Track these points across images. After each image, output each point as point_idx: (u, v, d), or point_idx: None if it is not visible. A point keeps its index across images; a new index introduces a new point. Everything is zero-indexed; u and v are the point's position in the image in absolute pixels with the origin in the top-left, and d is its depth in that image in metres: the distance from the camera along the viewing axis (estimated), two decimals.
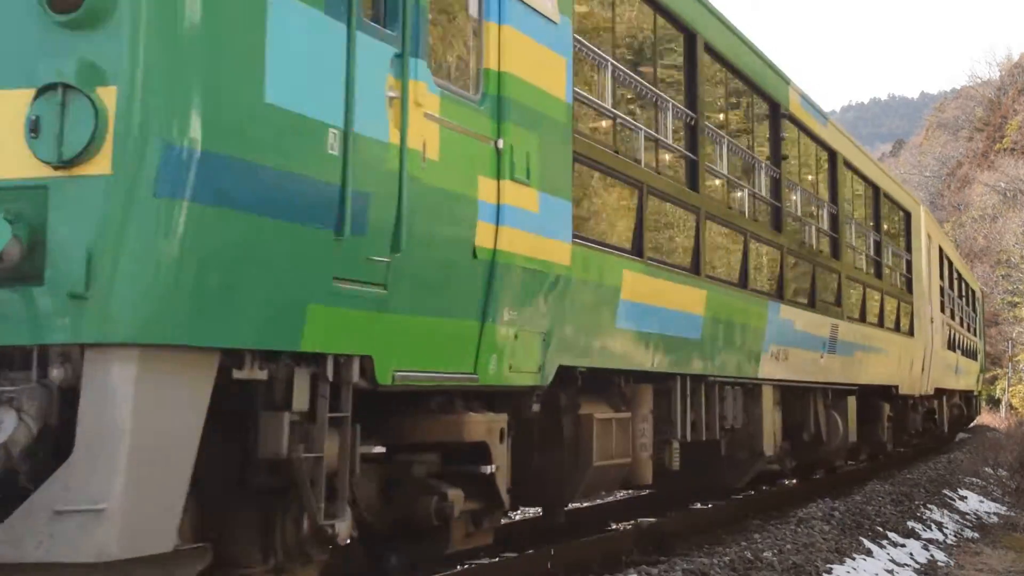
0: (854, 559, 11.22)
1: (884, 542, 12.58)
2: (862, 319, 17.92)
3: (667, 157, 11.20)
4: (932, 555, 12.80)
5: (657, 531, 12.55)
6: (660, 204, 10.91)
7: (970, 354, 35.06)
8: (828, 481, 19.22)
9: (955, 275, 31.70)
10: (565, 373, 9.36)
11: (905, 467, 23.31)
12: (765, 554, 10.43)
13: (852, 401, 17.54)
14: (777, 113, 14.20)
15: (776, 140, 14.13)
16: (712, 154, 12.17)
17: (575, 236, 9.01)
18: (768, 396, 13.84)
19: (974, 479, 22.71)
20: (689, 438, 11.67)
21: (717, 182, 12.37)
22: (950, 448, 32.96)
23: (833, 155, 16.75)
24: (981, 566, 12.39)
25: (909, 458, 25.79)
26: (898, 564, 11.75)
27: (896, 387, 20.33)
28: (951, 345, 28.94)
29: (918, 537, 13.64)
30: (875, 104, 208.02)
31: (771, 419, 13.92)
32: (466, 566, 9.71)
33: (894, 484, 18.26)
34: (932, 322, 24.08)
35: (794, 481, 19.06)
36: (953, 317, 29.93)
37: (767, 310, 13.42)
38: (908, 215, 21.99)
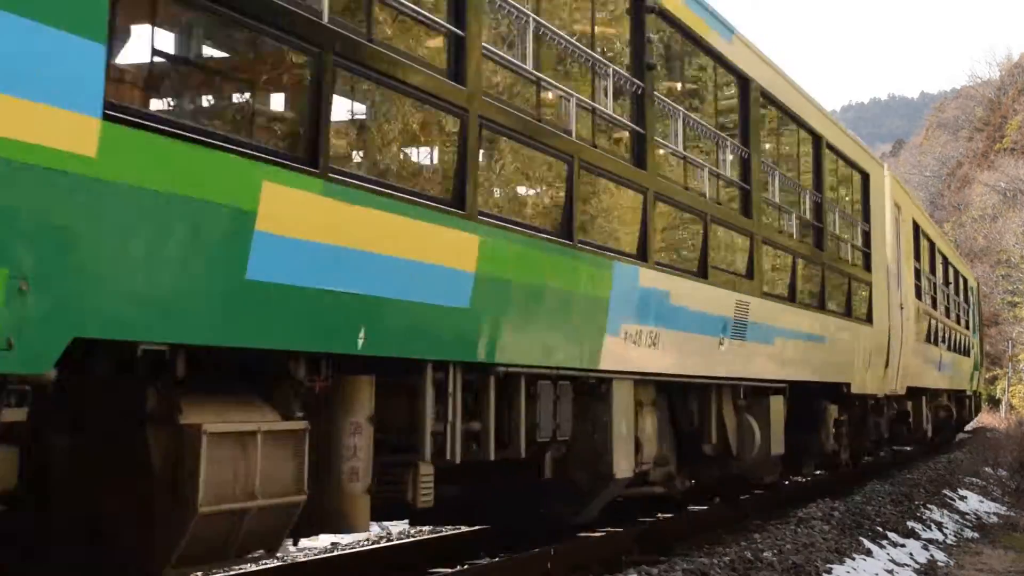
0: (854, 559, 10.86)
1: (884, 542, 12.19)
2: (791, 298, 13.57)
3: (402, 23, 6.95)
4: (932, 555, 12.39)
5: (657, 531, 11.94)
6: (370, 88, 6.68)
7: (961, 350, 30.41)
8: (828, 481, 18.04)
9: (939, 259, 27.05)
10: (159, 357, 5.20)
11: (905, 467, 22.19)
12: (765, 554, 10.09)
13: (777, 402, 13.23)
14: (640, 5, 9.86)
15: (639, 42, 9.80)
16: (500, 35, 7.89)
17: (118, 108, 4.79)
18: (623, 395, 9.56)
19: (974, 479, 21.71)
20: (459, 458, 7.43)
21: (511, 79, 8.09)
22: (950, 448, 30.95)
23: (745, 82, 12.37)
24: (981, 566, 12.00)
25: (885, 465, 22.96)
26: (898, 564, 11.36)
27: (847, 385, 15.97)
28: (932, 338, 24.40)
29: (918, 537, 13.20)
30: (875, 104, 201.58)
31: (628, 427, 9.64)
32: (466, 566, 9.03)
33: (894, 484, 17.60)
34: (902, 309, 19.65)
35: (714, 506, 14.82)
36: (935, 306, 25.35)
37: (612, 274, 9.14)
38: (866, 177, 17.56)
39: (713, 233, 11.24)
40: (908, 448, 25.94)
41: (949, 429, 31.06)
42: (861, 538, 11.92)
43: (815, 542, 11.05)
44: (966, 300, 33.22)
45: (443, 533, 11.69)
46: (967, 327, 32.71)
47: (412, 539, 11.35)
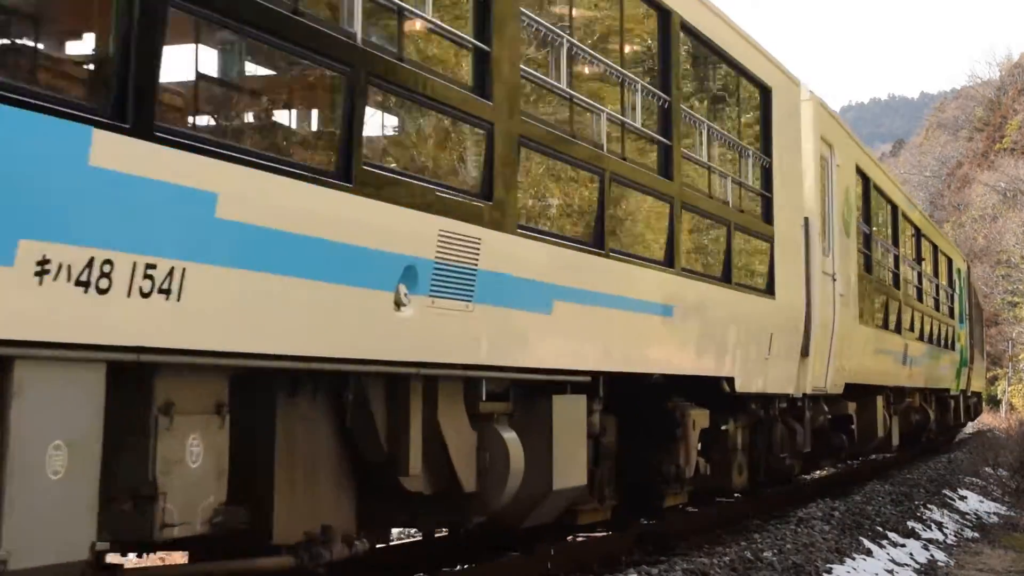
0: (854, 559, 10.32)
1: (884, 542, 11.63)
2: (595, 244, 8.08)
3: None
4: (932, 555, 11.82)
5: (657, 531, 10.74)
6: None
7: (941, 341, 24.54)
8: (828, 481, 17.23)
9: (908, 228, 21.25)
10: None
11: (905, 467, 21.30)
12: (765, 554, 9.57)
13: (570, 406, 7.85)
14: None
15: None
16: None
17: None
18: (45, 397, 4.27)
19: (974, 479, 20.96)
20: None
21: None
22: (950, 448, 29.33)
23: None
24: (981, 566, 11.52)
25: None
26: (898, 564, 10.87)
27: (730, 380, 10.56)
28: (894, 324, 18.80)
29: (918, 537, 12.58)
30: (875, 104, 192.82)
31: (55, 462, 4.32)
32: (466, 566, 8.45)
33: (894, 484, 17.04)
34: (835, 281, 14.18)
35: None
36: (898, 285, 19.73)
37: None
38: (766, 93, 11.69)
39: (373, 107, 5.87)
40: (853, 463, 20.13)
41: (926, 436, 25.09)
42: (861, 538, 11.40)
43: (815, 542, 10.57)
44: (950, 284, 27.28)
45: (443, 533, 10.17)
46: (951, 315, 26.80)
47: (413, 539, 10.44)
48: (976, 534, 14.27)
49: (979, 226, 78.17)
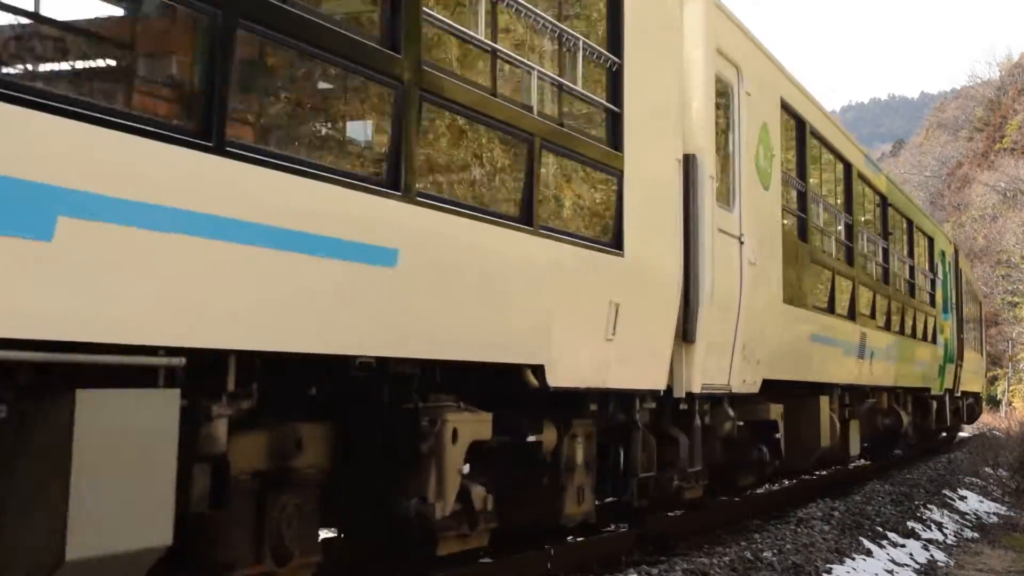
0: (854, 559, 9.99)
1: (884, 542, 11.29)
2: (197, 135, 4.33)
3: None
4: (932, 555, 11.49)
5: (657, 531, 10.37)
6: None
7: (918, 333, 20.57)
8: (828, 481, 16.72)
9: (867, 193, 17.14)
10: None
11: (905, 467, 20.53)
12: (765, 554, 9.28)
13: (110, 408, 4.02)
14: None
15: None
16: None
17: None
18: None
19: (974, 479, 20.22)
20: None
21: None
22: (950, 448, 28.52)
23: None
24: (981, 566, 11.26)
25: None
26: (898, 564, 10.52)
27: (538, 369, 6.88)
28: (842, 308, 14.88)
29: (918, 537, 12.18)
30: (875, 104, 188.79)
31: None
32: (465, 567, 7.82)
33: (894, 484, 16.10)
34: (742, 244, 10.48)
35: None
36: (852, 261, 15.73)
37: None
38: None
39: None
40: (778, 486, 15.96)
41: (902, 442, 21.09)
42: (861, 538, 10.93)
43: (815, 542, 10.12)
44: (931, 268, 23.17)
45: None
46: (931, 303, 22.72)
47: None
48: (976, 534, 13.84)
49: (979, 226, 76.12)
